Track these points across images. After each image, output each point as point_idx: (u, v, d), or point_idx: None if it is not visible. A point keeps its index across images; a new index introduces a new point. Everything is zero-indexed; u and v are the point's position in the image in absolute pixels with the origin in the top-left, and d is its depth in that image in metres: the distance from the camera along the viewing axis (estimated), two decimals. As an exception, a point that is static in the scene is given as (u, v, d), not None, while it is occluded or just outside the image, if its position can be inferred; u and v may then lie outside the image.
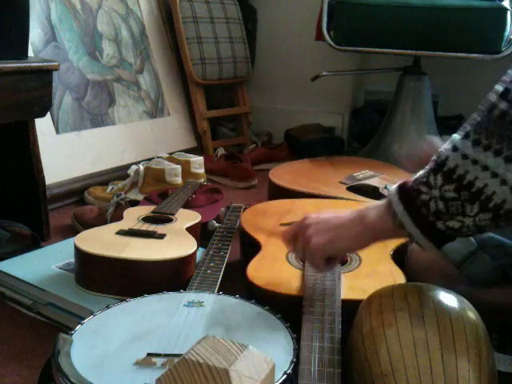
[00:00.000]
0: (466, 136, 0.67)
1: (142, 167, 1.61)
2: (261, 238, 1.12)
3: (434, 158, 0.70)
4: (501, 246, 0.99)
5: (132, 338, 0.73)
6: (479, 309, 0.73)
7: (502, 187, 0.64)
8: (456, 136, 0.69)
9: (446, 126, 2.22)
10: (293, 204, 1.35)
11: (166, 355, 0.69)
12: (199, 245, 1.11)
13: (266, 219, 1.24)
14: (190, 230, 1.15)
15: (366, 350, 0.68)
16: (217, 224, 1.30)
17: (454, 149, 0.67)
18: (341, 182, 1.60)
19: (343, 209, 0.89)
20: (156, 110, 2.12)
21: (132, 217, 1.19)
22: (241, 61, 2.36)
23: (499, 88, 0.65)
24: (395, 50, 1.89)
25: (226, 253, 1.09)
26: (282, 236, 0.91)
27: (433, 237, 0.71)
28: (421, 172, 0.72)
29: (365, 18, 1.89)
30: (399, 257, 1.06)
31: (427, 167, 0.71)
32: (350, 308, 0.79)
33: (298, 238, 0.86)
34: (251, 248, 1.09)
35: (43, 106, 1.30)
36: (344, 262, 1.00)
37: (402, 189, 0.73)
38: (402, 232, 0.73)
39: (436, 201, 0.69)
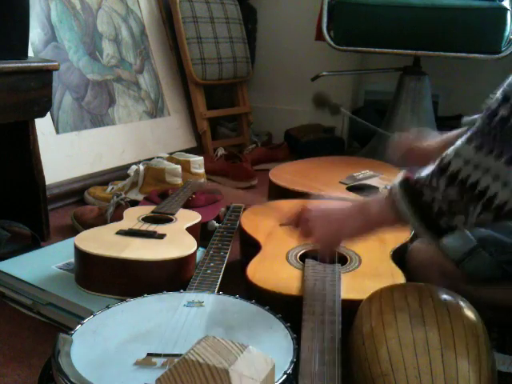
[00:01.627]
0: (468, 141, 0.69)
1: (142, 167, 1.61)
2: (260, 238, 1.12)
3: (437, 161, 0.72)
4: (500, 243, 0.99)
5: (132, 338, 0.73)
6: (479, 307, 0.73)
7: (503, 189, 0.66)
8: (458, 142, 0.71)
9: (446, 126, 2.22)
10: (292, 205, 1.34)
11: (166, 355, 0.69)
12: (199, 245, 1.11)
13: (265, 220, 1.23)
14: (190, 230, 1.15)
15: (366, 350, 0.68)
16: (217, 224, 1.30)
17: (457, 154, 0.70)
18: (341, 182, 1.60)
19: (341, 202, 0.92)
20: (156, 110, 2.11)
21: (132, 217, 1.19)
22: (241, 61, 2.36)
23: (499, 95, 0.68)
24: (395, 50, 1.89)
25: (226, 253, 1.09)
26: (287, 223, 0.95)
27: (435, 231, 0.74)
28: (423, 173, 0.74)
29: (365, 18, 1.89)
30: (399, 256, 1.05)
31: (430, 169, 0.73)
32: (350, 308, 0.79)
33: (300, 228, 0.92)
34: (251, 248, 1.09)
35: (43, 106, 1.30)
36: (344, 262, 1.00)
37: (405, 186, 0.75)
38: (403, 224, 0.78)
39: (439, 202, 0.71)
